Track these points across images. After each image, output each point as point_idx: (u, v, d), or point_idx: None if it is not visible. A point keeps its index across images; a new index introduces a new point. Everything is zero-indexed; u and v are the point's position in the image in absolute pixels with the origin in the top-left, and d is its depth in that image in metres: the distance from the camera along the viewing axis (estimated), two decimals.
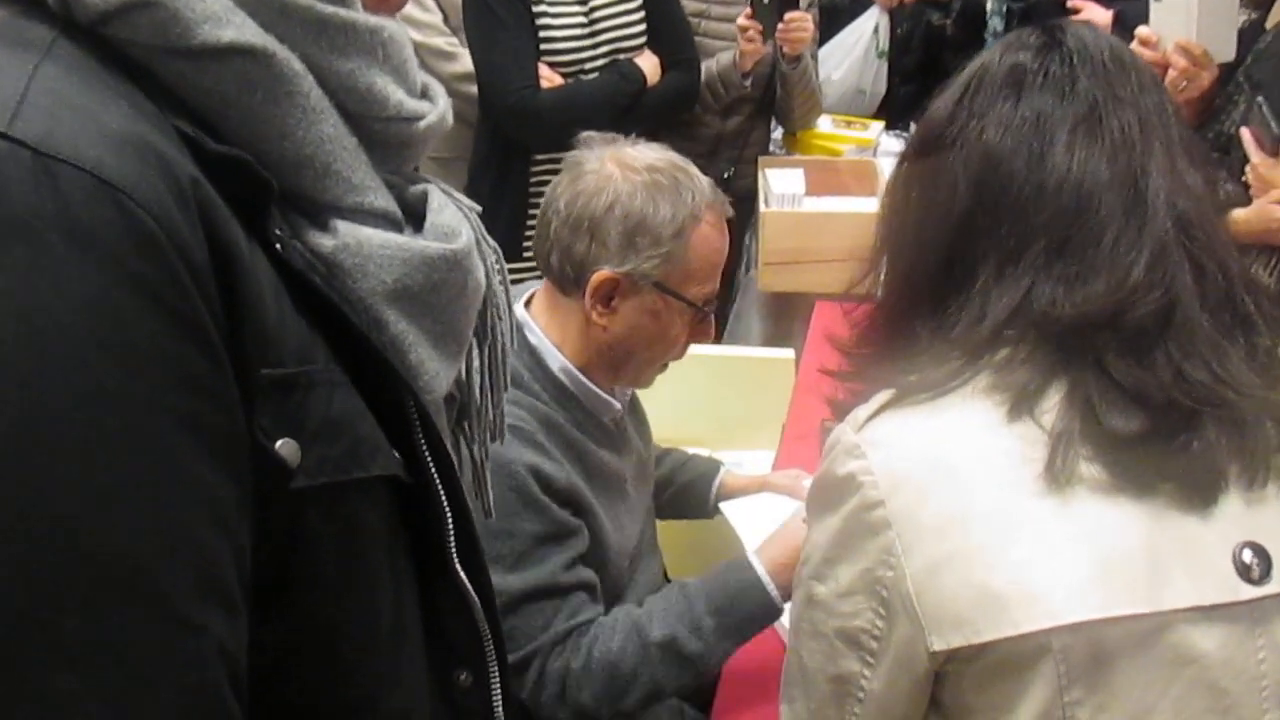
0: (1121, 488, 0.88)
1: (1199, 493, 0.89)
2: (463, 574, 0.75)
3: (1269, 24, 2.26)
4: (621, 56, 2.71)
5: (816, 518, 0.98)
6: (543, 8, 2.63)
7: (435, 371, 0.70)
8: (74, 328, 0.51)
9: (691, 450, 2.12)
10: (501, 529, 1.43)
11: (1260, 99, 2.02)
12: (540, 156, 2.63)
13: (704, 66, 2.87)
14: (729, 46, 2.89)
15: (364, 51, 0.66)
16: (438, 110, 0.73)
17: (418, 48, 3.14)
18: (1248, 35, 2.27)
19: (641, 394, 1.91)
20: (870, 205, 2.83)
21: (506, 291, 0.85)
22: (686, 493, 1.97)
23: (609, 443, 1.63)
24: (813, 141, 3.22)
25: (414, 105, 0.71)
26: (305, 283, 0.63)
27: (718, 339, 2.98)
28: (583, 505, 1.52)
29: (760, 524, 1.82)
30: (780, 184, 2.84)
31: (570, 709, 1.46)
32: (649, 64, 2.73)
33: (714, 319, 1.64)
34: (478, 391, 0.84)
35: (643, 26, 2.74)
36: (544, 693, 1.45)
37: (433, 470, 0.71)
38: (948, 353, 0.93)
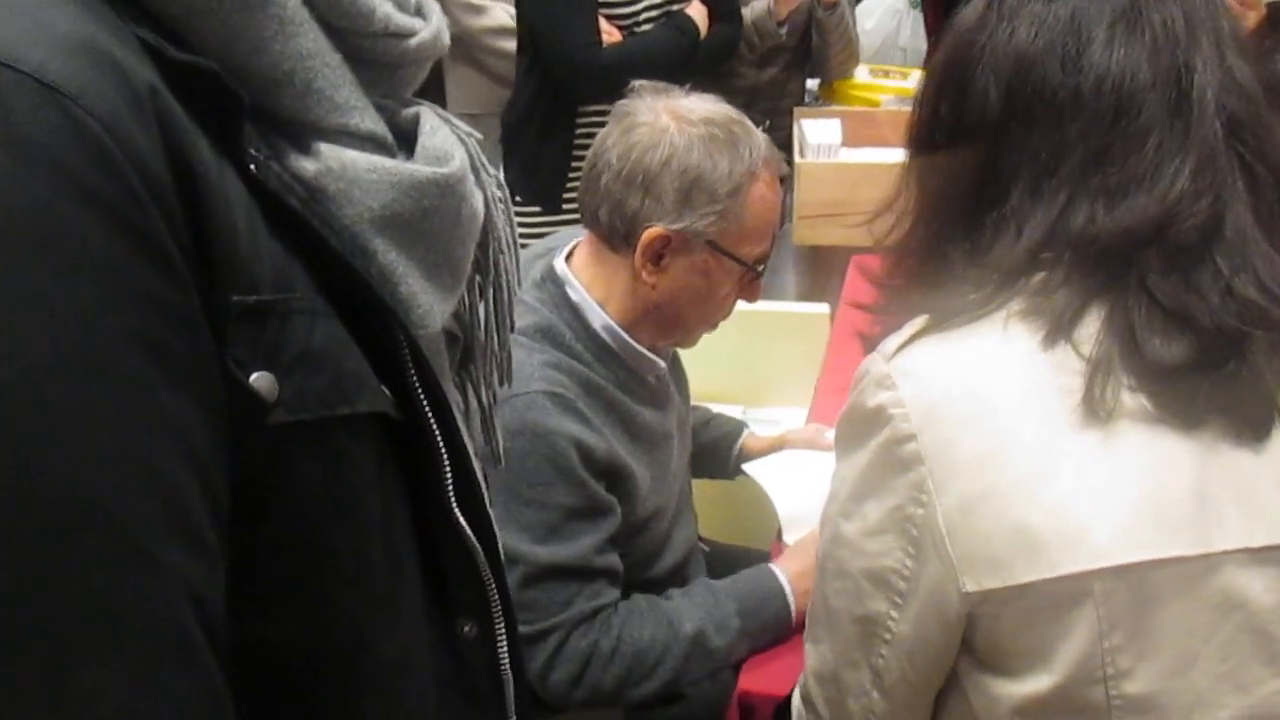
0: (1167, 420, 0.82)
1: (1249, 425, 0.83)
2: (462, 519, 0.71)
3: None
4: (674, 8, 2.65)
5: (844, 452, 0.93)
6: None
7: (429, 305, 0.65)
8: (10, 235, 0.46)
9: (725, 407, 2.10)
10: (534, 498, 1.39)
11: None
12: (586, 108, 2.58)
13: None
14: None
15: None
16: (431, 27, 0.68)
17: (446, 2, 3.11)
18: None
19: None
20: None
21: (511, 226, 0.81)
22: (708, 452, 1.94)
23: (652, 400, 1.58)
24: (850, 92, 3.14)
25: (404, 20, 0.66)
26: (282, 206, 0.58)
27: None
28: (623, 473, 1.48)
29: (785, 481, 1.80)
30: (816, 135, 2.77)
31: (586, 690, 1.42)
32: (699, 14, 2.66)
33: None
34: (481, 331, 0.80)
35: None
36: (559, 671, 1.41)
37: (426, 409, 0.67)
38: (982, 277, 0.87)
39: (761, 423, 2.09)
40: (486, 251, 0.77)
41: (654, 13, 2.63)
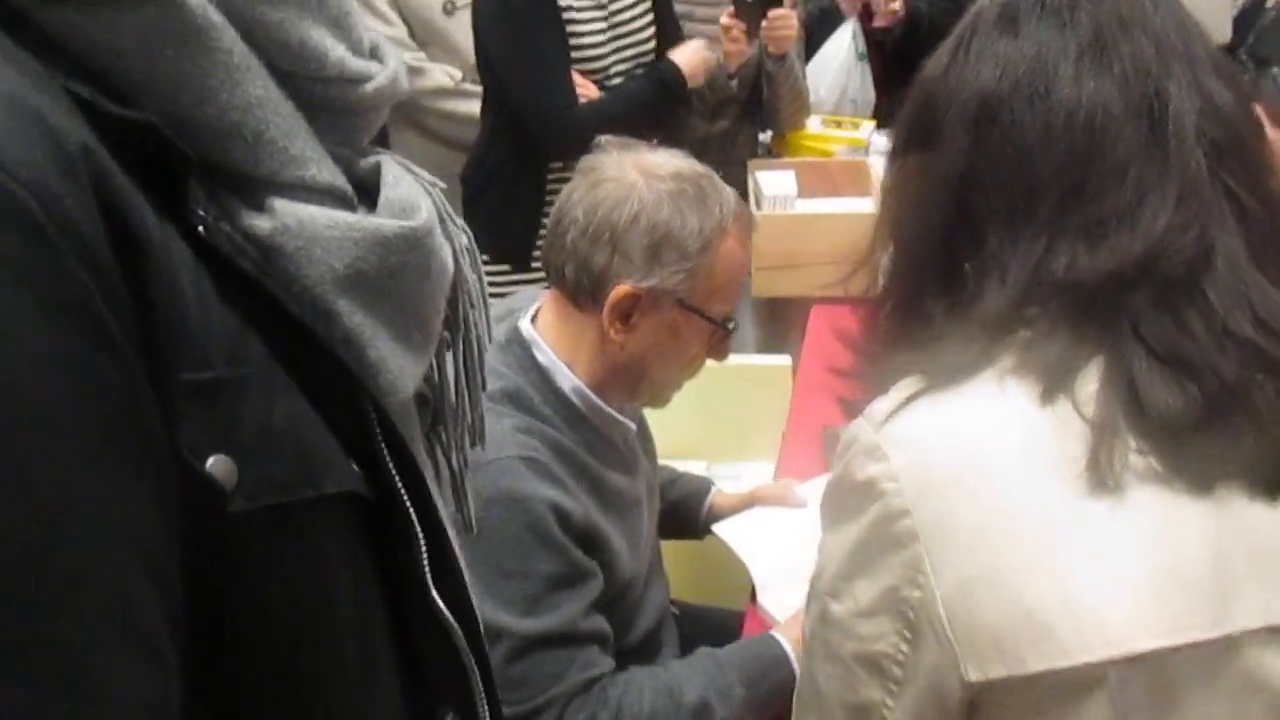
0: (1178, 482, 0.76)
1: (1263, 485, 0.78)
2: (440, 600, 0.66)
3: (1270, 2, 2.20)
4: (641, 60, 2.63)
5: (832, 525, 0.87)
6: (567, 3, 2.52)
7: (399, 368, 0.61)
8: None
9: (688, 463, 2.05)
10: (515, 569, 1.33)
11: (1277, 70, 1.95)
12: (556, 164, 2.54)
13: None
14: (714, 49, 2.82)
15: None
16: (387, 71, 0.64)
17: None
18: (1249, 15, 2.21)
19: None
20: (864, 205, 2.77)
21: (480, 278, 0.76)
22: (675, 512, 1.88)
23: (621, 465, 1.53)
24: (802, 143, 3.14)
25: (358, 64, 0.61)
26: (235, 270, 0.53)
27: None
28: (599, 540, 1.42)
29: (757, 541, 1.74)
30: (772, 186, 2.76)
31: None
32: (688, 60, 2.62)
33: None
34: (452, 391, 0.75)
35: (653, 30, 2.66)
36: None
37: (399, 484, 0.62)
38: (968, 333, 0.82)
39: (726, 478, 2.04)
40: (456, 307, 0.72)
41: (624, 65, 2.61)
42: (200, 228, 0.52)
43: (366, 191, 0.63)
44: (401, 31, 2.90)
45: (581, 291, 1.43)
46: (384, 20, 2.88)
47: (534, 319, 1.50)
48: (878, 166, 2.85)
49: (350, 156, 0.64)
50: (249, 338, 0.54)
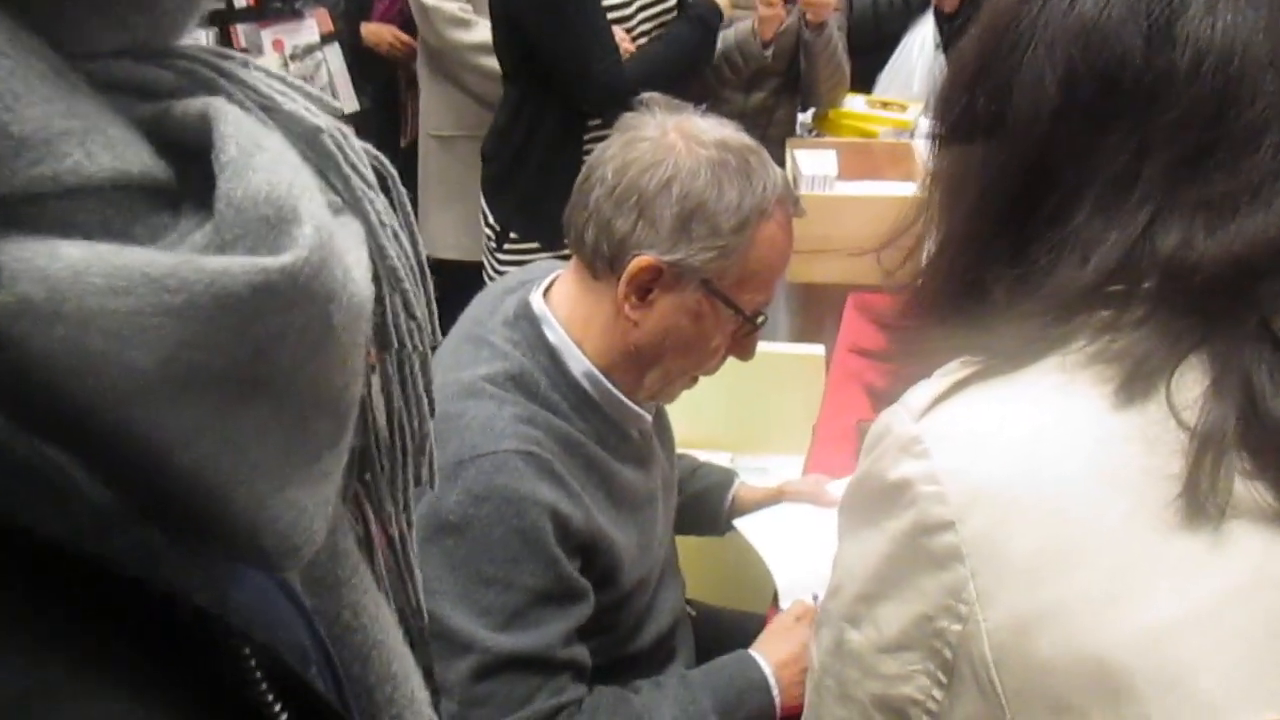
0: None
1: None
2: None
3: None
4: (665, 17, 2.52)
5: (852, 532, 0.73)
6: None
7: (296, 507, 0.37)
8: None
9: (712, 454, 1.94)
10: (497, 577, 1.20)
11: None
12: (595, 136, 2.41)
13: (721, 36, 2.67)
14: (748, 16, 2.69)
15: None
16: None
17: (429, 12, 2.96)
18: None
19: None
20: (907, 190, 2.64)
21: (421, 268, 0.50)
22: (697, 505, 1.75)
23: (635, 458, 1.40)
24: (845, 123, 3.01)
25: None
26: None
27: None
28: (603, 545, 1.30)
29: (782, 541, 1.63)
30: (811, 166, 2.64)
31: None
32: None
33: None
34: (381, 420, 0.52)
35: None
36: None
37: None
38: (1031, 310, 0.67)
39: (752, 471, 1.93)
40: (384, 314, 0.48)
41: (649, 25, 2.50)
42: None
43: (191, 164, 0.36)
44: None
45: (600, 257, 1.29)
46: None
47: (547, 293, 1.38)
48: (924, 150, 2.72)
49: (154, 84, 0.37)
50: None
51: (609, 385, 1.33)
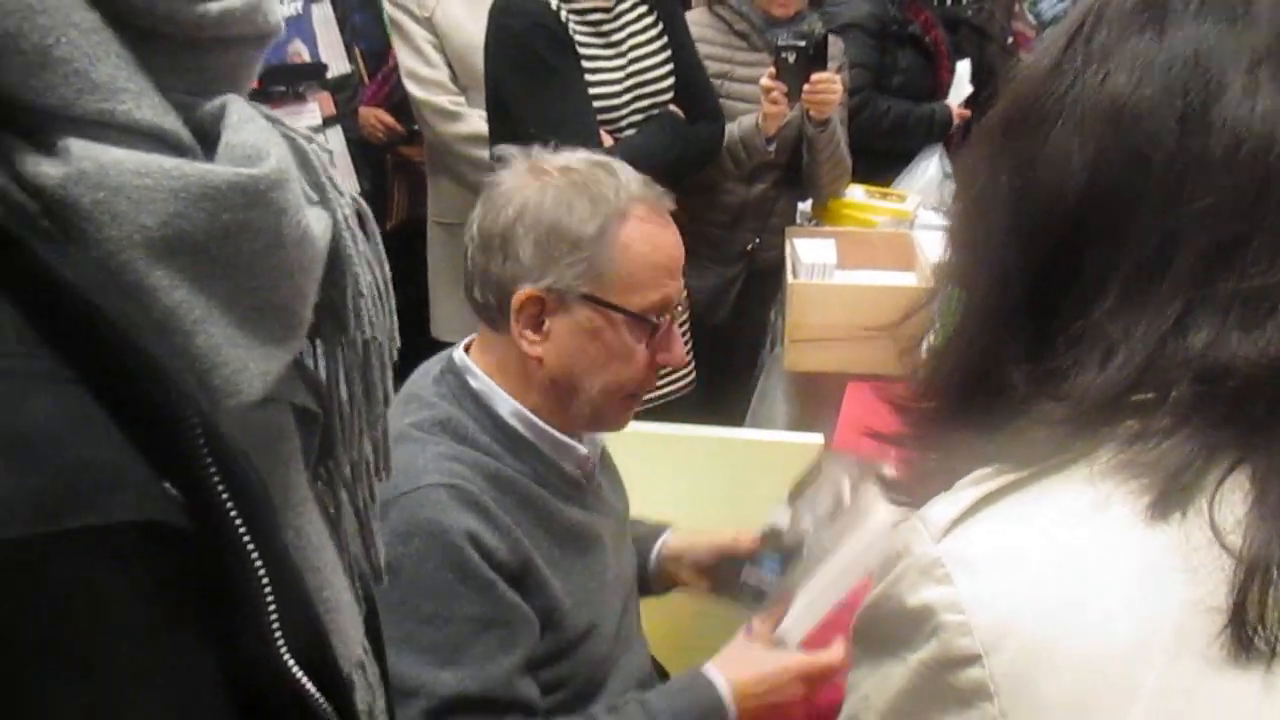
0: None
1: None
2: (299, 673, 0.51)
3: None
4: (657, 106, 2.53)
5: (871, 662, 0.68)
6: (587, 54, 2.42)
7: (240, 363, 0.50)
8: None
9: None
10: (435, 613, 1.19)
11: None
12: None
13: (725, 129, 2.69)
14: (753, 109, 2.71)
15: None
16: None
17: (419, 105, 2.96)
18: None
19: (652, 479, 1.67)
20: (907, 279, 2.63)
21: (381, 267, 0.63)
22: None
23: (577, 498, 1.38)
24: (844, 212, 3.02)
25: None
26: None
27: (740, 421, 2.76)
28: (532, 580, 1.27)
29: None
30: (810, 254, 2.63)
31: None
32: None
33: (675, 330, 1.39)
34: (346, 403, 0.62)
35: (672, 80, 2.56)
36: None
37: (232, 514, 0.48)
38: (1054, 412, 0.63)
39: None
40: (344, 295, 0.60)
41: (639, 116, 2.52)
42: None
43: (207, 139, 0.52)
44: (443, 74, 2.82)
45: (490, 309, 1.33)
46: (425, 60, 2.81)
47: (468, 349, 1.40)
48: (922, 240, 2.72)
49: (193, 102, 0.53)
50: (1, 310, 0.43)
51: (538, 422, 1.34)
